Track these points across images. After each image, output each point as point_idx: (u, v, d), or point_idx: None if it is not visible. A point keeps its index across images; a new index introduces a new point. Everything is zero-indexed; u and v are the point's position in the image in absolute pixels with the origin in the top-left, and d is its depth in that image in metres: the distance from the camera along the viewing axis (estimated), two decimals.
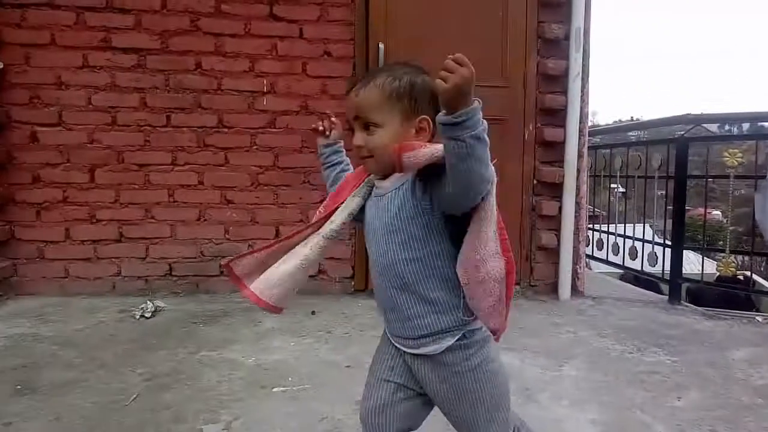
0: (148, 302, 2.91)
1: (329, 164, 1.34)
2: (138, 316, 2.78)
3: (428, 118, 1.07)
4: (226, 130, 3.26)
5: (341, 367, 2.21)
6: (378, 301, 1.16)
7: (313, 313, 2.92)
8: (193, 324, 2.71)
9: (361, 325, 2.75)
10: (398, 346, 1.13)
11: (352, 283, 3.36)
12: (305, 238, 1.17)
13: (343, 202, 1.17)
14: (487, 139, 0.90)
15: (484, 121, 0.90)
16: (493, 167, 0.94)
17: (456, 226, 1.03)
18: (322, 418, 1.78)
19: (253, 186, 3.30)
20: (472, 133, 0.88)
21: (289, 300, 1.19)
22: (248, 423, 1.74)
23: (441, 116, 0.90)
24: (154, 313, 2.84)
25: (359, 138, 1.09)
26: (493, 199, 0.98)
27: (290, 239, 1.18)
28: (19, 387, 1.97)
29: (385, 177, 1.12)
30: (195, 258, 3.28)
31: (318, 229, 1.17)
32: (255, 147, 3.28)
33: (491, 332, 1.09)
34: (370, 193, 1.16)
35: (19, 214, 3.15)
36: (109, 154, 3.19)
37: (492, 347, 1.11)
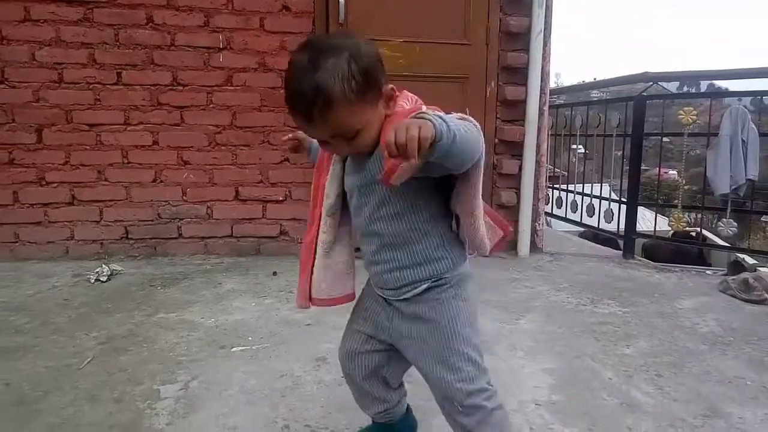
0: (104, 266, 2.84)
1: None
2: (93, 280, 2.72)
3: (388, 86, 1.04)
4: (180, 88, 3.14)
5: (302, 326, 2.22)
6: (363, 254, 1.18)
7: (274, 273, 2.91)
8: (151, 287, 2.67)
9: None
10: (381, 295, 1.17)
11: None
12: (319, 222, 1.19)
13: (328, 173, 1.17)
14: (461, 131, 0.87)
15: (450, 121, 0.86)
16: (479, 136, 0.94)
17: (438, 179, 1.04)
18: (281, 375, 1.79)
19: (211, 146, 3.22)
20: (447, 148, 0.85)
21: (347, 283, 1.24)
22: (206, 382, 1.73)
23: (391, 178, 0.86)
24: (110, 276, 2.78)
25: (344, 148, 1.06)
26: (484, 156, 0.99)
27: (308, 237, 1.22)
28: None
29: None
30: (152, 220, 3.20)
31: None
32: (211, 105, 3.18)
33: (499, 240, 1.16)
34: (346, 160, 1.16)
35: None
36: (57, 114, 3.05)
37: (469, 288, 1.14)
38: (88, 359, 1.87)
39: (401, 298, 1.12)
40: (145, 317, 2.27)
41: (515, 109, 3.45)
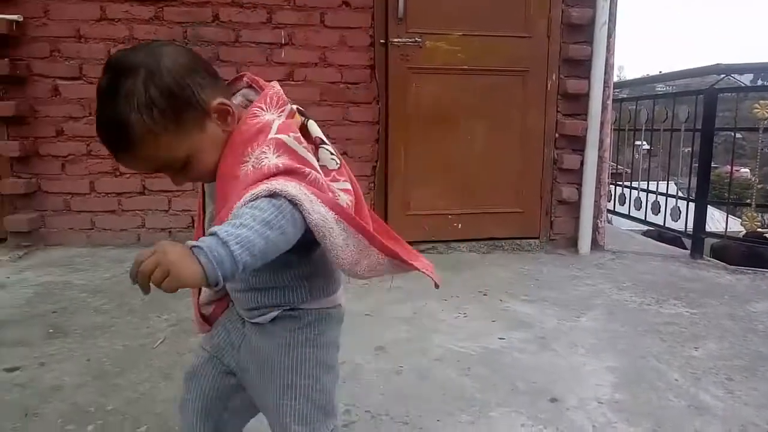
0: None
1: None
2: None
3: (216, 101, 0.85)
4: None
5: (361, 315, 2.26)
6: None
7: None
8: None
9: (380, 277, 2.78)
10: (240, 314, 1.00)
11: None
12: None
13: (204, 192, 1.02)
14: (256, 246, 0.71)
15: (234, 238, 0.69)
16: (288, 210, 0.75)
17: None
18: (341, 361, 1.81)
19: None
20: (233, 275, 0.70)
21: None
22: None
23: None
24: None
25: (180, 178, 0.89)
26: (308, 205, 0.77)
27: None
28: (51, 331, 2.06)
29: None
30: None
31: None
32: None
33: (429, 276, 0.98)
34: None
35: (44, 167, 3.21)
36: None
37: (328, 332, 0.99)
38: (161, 340, 1.98)
39: (253, 321, 0.97)
40: None
41: (577, 103, 3.37)
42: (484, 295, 2.56)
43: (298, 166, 0.82)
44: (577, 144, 3.38)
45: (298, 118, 0.92)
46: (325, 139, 0.94)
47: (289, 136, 0.84)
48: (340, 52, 3.24)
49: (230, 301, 1.03)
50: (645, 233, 4.93)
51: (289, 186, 0.77)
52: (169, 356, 1.85)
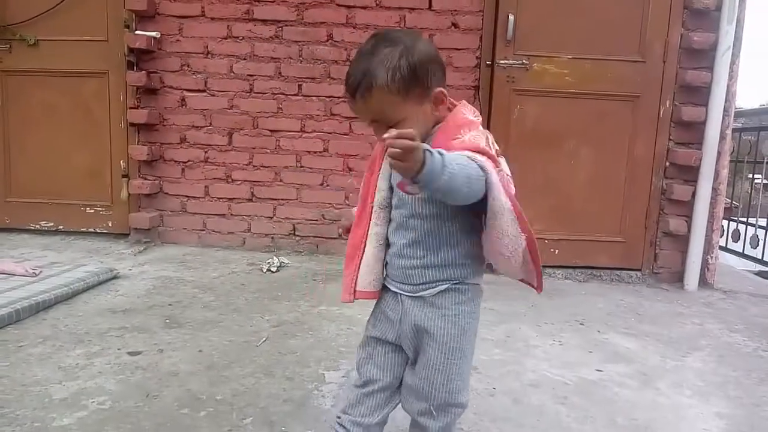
0: (274, 258, 3.14)
1: None
2: (265, 270, 3.02)
3: (441, 88, 1.09)
4: None
5: None
6: (391, 246, 1.18)
7: None
8: (314, 281, 2.90)
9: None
10: (396, 291, 1.16)
11: None
12: (370, 217, 1.18)
13: (379, 171, 1.18)
14: (454, 172, 0.91)
15: (446, 160, 0.91)
16: (479, 173, 0.97)
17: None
18: None
19: None
20: (436, 185, 0.91)
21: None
22: None
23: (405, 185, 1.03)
24: (279, 267, 3.07)
25: (382, 133, 1.05)
26: (497, 191, 0.99)
27: (358, 233, 1.20)
28: (167, 321, 2.24)
29: None
30: (316, 221, 3.47)
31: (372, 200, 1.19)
32: None
33: (534, 287, 1.15)
34: None
35: (167, 170, 3.51)
36: (245, 120, 3.45)
37: (479, 304, 1.18)
38: (264, 339, 2.09)
39: (417, 294, 1.14)
40: (310, 307, 2.47)
41: (692, 131, 3.21)
42: (581, 324, 2.49)
43: (497, 159, 1.05)
44: (689, 174, 3.21)
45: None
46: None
47: (491, 135, 1.08)
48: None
49: (380, 295, 1.21)
50: (758, 273, 4.55)
51: (488, 165, 0.99)
52: (271, 355, 1.96)
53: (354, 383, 1.26)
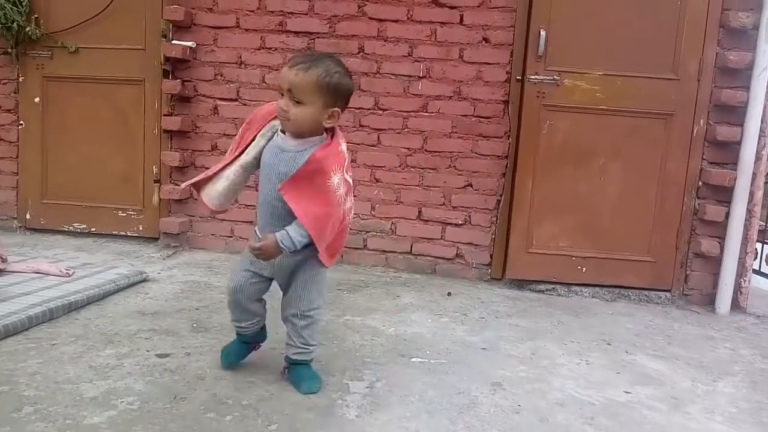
0: None
1: None
2: None
3: (339, 109, 1.59)
4: (380, 112, 3.41)
5: (477, 348, 2.25)
6: (260, 219, 1.70)
7: (449, 294, 2.98)
8: (338, 291, 2.90)
9: (496, 312, 2.75)
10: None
11: (489, 270, 3.36)
12: (229, 165, 1.66)
13: (254, 139, 1.64)
14: (302, 241, 1.60)
15: (294, 242, 1.59)
16: (307, 240, 1.61)
17: None
18: (458, 392, 1.84)
19: (401, 167, 3.42)
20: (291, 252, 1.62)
21: (226, 205, 1.74)
22: (389, 385, 1.85)
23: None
24: None
25: (285, 105, 1.54)
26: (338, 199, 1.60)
27: (222, 169, 1.68)
28: (195, 325, 2.27)
29: (293, 137, 1.59)
30: None
31: (237, 158, 1.65)
32: (406, 129, 3.39)
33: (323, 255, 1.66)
34: (271, 138, 1.63)
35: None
36: None
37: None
38: None
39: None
40: (335, 317, 2.48)
41: (726, 151, 3.15)
42: (608, 344, 2.45)
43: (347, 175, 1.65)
44: (723, 195, 3.15)
45: None
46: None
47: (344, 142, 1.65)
48: (475, 86, 3.30)
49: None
50: None
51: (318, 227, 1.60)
52: None
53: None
